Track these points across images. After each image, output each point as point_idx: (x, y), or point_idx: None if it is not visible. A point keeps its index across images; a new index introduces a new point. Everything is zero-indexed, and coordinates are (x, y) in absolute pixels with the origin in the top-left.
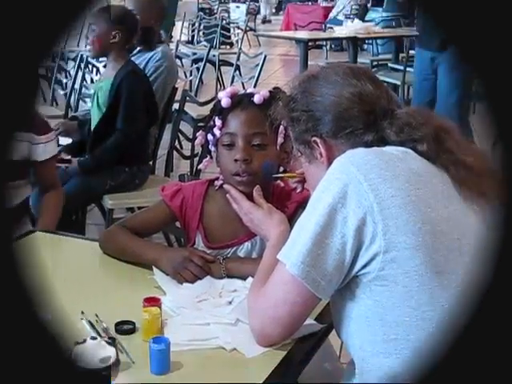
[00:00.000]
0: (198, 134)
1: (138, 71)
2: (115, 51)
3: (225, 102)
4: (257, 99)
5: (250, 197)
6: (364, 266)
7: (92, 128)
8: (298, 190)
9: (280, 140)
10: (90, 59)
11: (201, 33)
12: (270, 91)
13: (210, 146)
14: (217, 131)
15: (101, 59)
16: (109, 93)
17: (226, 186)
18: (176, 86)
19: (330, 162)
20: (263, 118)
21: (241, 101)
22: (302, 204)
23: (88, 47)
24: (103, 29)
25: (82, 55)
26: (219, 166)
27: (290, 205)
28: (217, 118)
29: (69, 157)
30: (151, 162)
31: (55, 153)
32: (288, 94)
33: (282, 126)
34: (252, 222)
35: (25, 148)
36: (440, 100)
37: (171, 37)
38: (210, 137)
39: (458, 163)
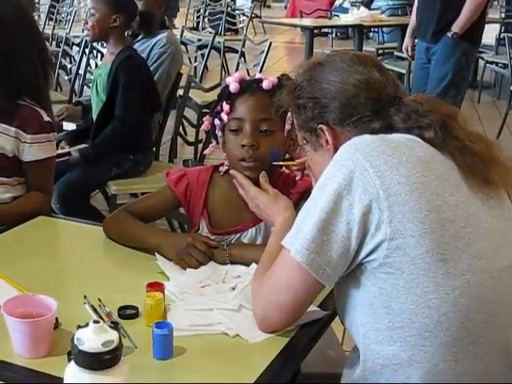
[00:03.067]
0: (204, 119)
1: (135, 56)
2: (114, 36)
3: (233, 86)
4: (265, 85)
5: (255, 182)
6: (369, 254)
7: (93, 115)
8: (297, 178)
9: (287, 127)
10: (94, 44)
11: (206, 19)
12: (279, 77)
13: (216, 131)
14: (224, 116)
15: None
16: (107, 79)
17: (232, 171)
18: (181, 72)
19: (335, 150)
20: (271, 104)
21: (249, 86)
22: (307, 192)
23: (86, 31)
24: (103, 13)
25: (86, 40)
26: (225, 151)
27: (295, 192)
28: (224, 103)
29: (67, 148)
30: (155, 149)
31: (44, 157)
32: (294, 81)
33: (289, 113)
34: (258, 207)
35: (7, 144)
36: (428, 90)
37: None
38: (216, 122)
39: (464, 150)
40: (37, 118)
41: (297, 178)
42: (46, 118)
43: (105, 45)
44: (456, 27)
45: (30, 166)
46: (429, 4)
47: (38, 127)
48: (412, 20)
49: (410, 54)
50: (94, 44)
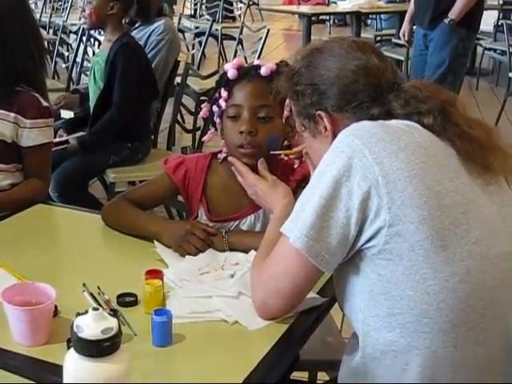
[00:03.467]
0: (202, 106)
1: (132, 43)
2: (112, 23)
3: (231, 73)
4: (263, 71)
5: (254, 169)
6: (368, 240)
7: (90, 103)
8: (296, 166)
9: (285, 113)
10: (92, 32)
11: (203, 7)
12: (277, 64)
13: (214, 118)
14: (222, 103)
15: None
16: (104, 66)
17: (230, 158)
18: (178, 59)
19: (334, 137)
20: (269, 91)
21: (247, 73)
22: (305, 179)
23: (83, 19)
24: (100, 0)
25: (83, 28)
26: (224, 138)
27: (294, 179)
28: (222, 90)
29: (64, 136)
30: (153, 136)
31: (43, 142)
32: (292, 67)
33: (287, 100)
34: (256, 194)
35: (6, 129)
36: (426, 76)
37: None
38: (215, 108)
39: (463, 137)
40: (35, 103)
41: (295, 166)
42: (45, 104)
43: (102, 32)
44: (453, 14)
45: (29, 152)
46: None
47: (37, 112)
48: (411, 6)
49: (406, 39)
50: (92, 32)
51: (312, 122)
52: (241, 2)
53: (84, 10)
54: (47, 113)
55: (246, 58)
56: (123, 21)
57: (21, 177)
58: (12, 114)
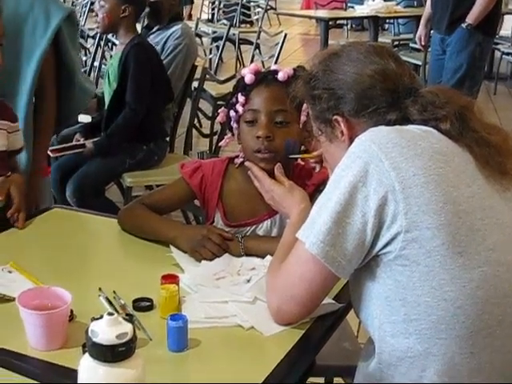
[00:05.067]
0: (219, 111)
1: (143, 43)
2: (124, 26)
3: (249, 78)
4: (281, 76)
5: (271, 174)
6: (385, 246)
7: (106, 106)
8: (317, 170)
9: (303, 118)
10: (109, 37)
11: (221, 11)
12: (294, 69)
13: (231, 123)
14: (239, 108)
15: None
16: (117, 67)
17: (247, 163)
18: (195, 64)
19: (351, 141)
20: (287, 96)
21: (265, 77)
22: (322, 184)
23: (96, 23)
24: (112, 4)
25: None
26: (240, 142)
27: (311, 184)
28: (240, 95)
29: (81, 140)
30: (168, 139)
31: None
32: (309, 71)
33: (305, 104)
34: (273, 199)
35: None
36: (443, 81)
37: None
38: (232, 113)
39: (481, 142)
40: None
41: (316, 171)
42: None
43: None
44: (470, 18)
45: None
46: None
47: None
48: (426, 9)
49: (423, 43)
50: (109, 36)
51: (329, 127)
52: (258, 6)
53: (97, 15)
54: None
55: (263, 63)
56: (136, 24)
57: None
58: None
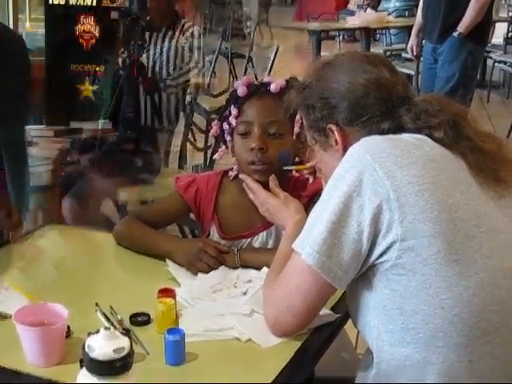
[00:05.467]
0: (213, 124)
1: None
2: None
3: (241, 90)
4: (273, 88)
5: (265, 186)
6: (381, 255)
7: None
8: (311, 181)
9: (296, 129)
10: None
11: (213, 25)
12: (287, 80)
13: (225, 136)
14: (233, 120)
15: None
16: None
17: (241, 175)
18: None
19: (345, 150)
20: (279, 107)
21: (257, 90)
22: (317, 194)
23: None
24: None
25: None
26: (234, 155)
27: (305, 195)
28: (233, 107)
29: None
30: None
31: None
32: (302, 81)
33: (298, 115)
34: (268, 211)
35: None
36: (436, 90)
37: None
38: (225, 126)
39: (475, 150)
40: None
41: (310, 182)
42: None
43: None
44: (461, 27)
45: None
46: (434, 5)
47: None
48: (418, 19)
49: (414, 53)
50: None
51: (323, 136)
52: (250, 19)
53: None
54: None
55: (256, 76)
56: None
57: None
58: None
